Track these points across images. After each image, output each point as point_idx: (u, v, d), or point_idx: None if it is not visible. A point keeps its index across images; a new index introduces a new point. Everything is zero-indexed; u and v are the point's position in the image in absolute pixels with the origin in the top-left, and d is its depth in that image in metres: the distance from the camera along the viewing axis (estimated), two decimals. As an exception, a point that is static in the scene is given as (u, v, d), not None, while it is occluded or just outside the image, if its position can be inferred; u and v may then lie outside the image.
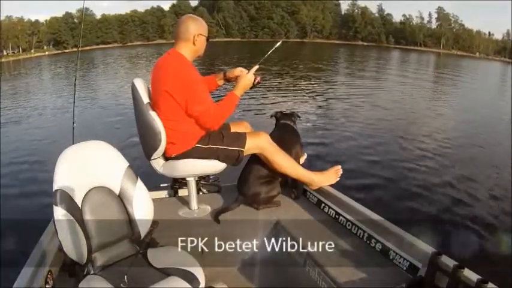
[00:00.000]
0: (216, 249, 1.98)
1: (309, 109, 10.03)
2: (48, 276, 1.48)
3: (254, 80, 2.13)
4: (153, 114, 1.96)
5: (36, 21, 71.38)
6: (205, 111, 1.95)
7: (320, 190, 2.19)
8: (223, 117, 2.03)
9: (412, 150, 6.48)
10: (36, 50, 66.16)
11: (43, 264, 1.51)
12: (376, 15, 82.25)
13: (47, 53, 63.34)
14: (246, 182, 2.18)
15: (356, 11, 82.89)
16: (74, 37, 68.80)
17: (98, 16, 77.18)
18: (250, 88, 2.16)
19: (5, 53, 62.75)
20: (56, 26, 66.75)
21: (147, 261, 1.48)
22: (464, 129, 8.35)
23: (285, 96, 11.96)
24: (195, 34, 1.98)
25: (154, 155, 2.04)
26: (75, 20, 71.22)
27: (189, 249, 1.58)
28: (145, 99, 1.98)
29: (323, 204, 2.12)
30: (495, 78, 27.08)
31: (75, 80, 3.15)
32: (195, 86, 1.93)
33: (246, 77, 2.09)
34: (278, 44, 2.32)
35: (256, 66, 2.15)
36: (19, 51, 65.52)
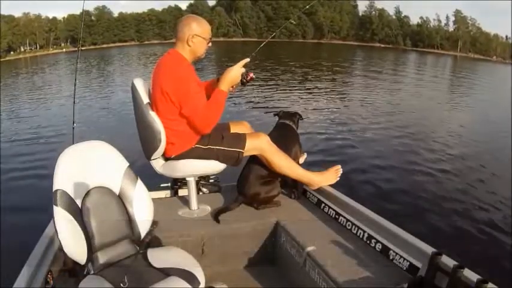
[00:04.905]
0: (216, 249, 1.99)
1: (325, 109, 10.04)
2: (48, 276, 1.48)
3: (247, 77, 2.00)
4: (152, 114, 1.96)
5: (54, 18, 72.85)
6: (195, 112, 1.91)
7: (320, 190, 2.19)
8: (213, 118, 1.95)
9: (421, 152, 6.47)
10: (54, 48, 66.67)
11: (43, 264, 1.51)
12: (393, 17, 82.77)
13: (64, 50, 63.99)
14: (246, 182, 2.18)
15: (373, 12, 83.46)
16: (91, 35, 70.48)
17: (116, 14, 78.86)
18: (243, 85, 2.04)
19: (22, 49, 63.52)
20: (73, 24, 67.80)
21: (147, 261, 1.48)
22: (476, 133, 8.30)
23: (299, 96, 12.00)
24: (189, 35, 1.95)
25: (154, 155, 2.04)
26: (92, 18, 72.49)
27: (189, 249, 1.57)
28: (145, 99, 1.98)
29: (323, 204, 2.12)
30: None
31: (75, 80, 3.15)
32: (188, 86, 1.89)
33: (232, 69, 1.97)
34: (271, 37, 2.48)
35: (247, 59, 2.04)
36: (36, 47, 65.99)
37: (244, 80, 2.02)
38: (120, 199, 1.56)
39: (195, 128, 1.98)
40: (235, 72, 1.99)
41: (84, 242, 1.39)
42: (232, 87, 2.04)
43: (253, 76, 2.03)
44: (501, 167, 5.76)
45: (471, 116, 10.61)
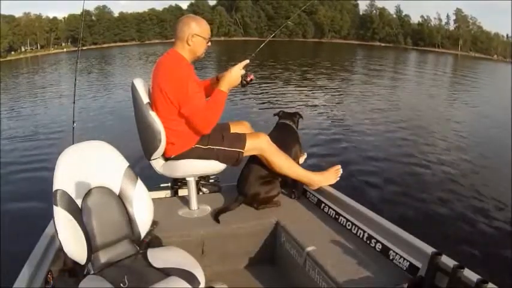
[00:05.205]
0: (216, 249, 1.99)
1: (324, 108, 10.03)
2: (48, 276, 1.48)
3: (247, 78, 2.01)
4: (152, 115, 1.96)
5: (54, 18, 73.17)
6: (195, 112, 1.90)
7: (320, 190, 2.19)
8: (212, 118, 1.94)
9: (421, 150, 6.45)
10: (55, 47, 67.11)
11: (43, 264, 1.51)
12: (394, 16, 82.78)
13: (65, 49, 64.13)
14: (246, 182, 2.18)
15: (374, 11, 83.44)
16: (91, 34, 70.82)
17: (116, 14, 79.57)
18: (243, 86, 2.04)
19: (22, 49, 63.72)
20: (73, 23, 67.94)
21: (147, 261, 1.48)
22: (476, 131, 8.28)
23: (301, 95, 11.97)
24: (189, 34, 1.95)
25: (154, 155, 2.04)
26: (93, 18, 72.74)
27: (189, 249, 1.57)
28: (145, 99, 1.98)
29: (323, 204, 2.12)
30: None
31: (75, 79, 3.15)
32: (186, 86, 1.88)
33: (232, 70, 1.98)
34: (270, 38, 2.47)
35: (247, 61, 2.04)
36: (37, 47, 66.15)
37: (244, 82, 2.02)
38: (120, 199, 1.56)
39: (195, 128, 1.97)
40: (235, 73, 1.99)
41: (84, 242, 1.39)
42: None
43: (253, 77, 2.04)
44: (501, 166, 5.76)
45: (471, 114, 10.59)
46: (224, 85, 1.97)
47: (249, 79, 2.02)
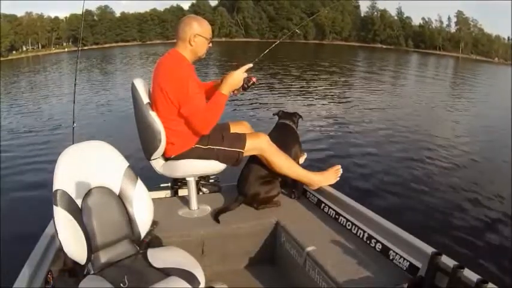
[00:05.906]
0: (216, 249, 1.99)
1: (324, 108, 10.02)
2: (48, 276, 1.48)
3: (249, 81, 2.01)
4: (153, 115, 1.96)
5: (56, 18, 73.25)
6: (194, 112, 1.90)
7: (320, 190, 2.19)
8: (211, 120, 1.95)
9: (422, 152, 6.43)
10: (56, 47, 67.35)
11: (43, 264, 1.52)
12: (395, 18, 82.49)
13: (66, 49, 64.24)
14: (246, 182, 2.18)
15: (375, 13, 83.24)
16: (93, 34, 70.94)
17: (118, 14, 79.60)
18: (244, 89, 2.04)
19: (24, 48, 64.00)
20: (75, 23, 67.81)
21: (147, 261, 1.48)
22: (477, 135, 8.23)
23: (302, 97, 11.96)
24: (191, 34, 1.95)
25: (154, 155, 2.04)
26: (95, 18, 72.83)
27: (189, 249, 1.58)
28: (145, 99, 1.98)
29: (323, 204, 2.12)
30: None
31: (75, 80, 3.15)
32: (187, 86, 1.88)
33: (234, 73, 1.99)
34: (275, 45, 2.43)
35: (250, 65, 2.05)
36: (38, 47, 66.38)
37: (246, 86, 2.03)
38: (120, 199, 1.56)
39: (193, 128, 1.98)
40: (237, 76, 1.99)
41: (84, 242, 1.39)
42: (234, 91, 2.04)
43: (256, 81, 2.04)
44: (501, 167, 5.75)
45: (470, 115, 10.60)
46: (225, 88, 1.98)
47: (251, 82, 2.02)
